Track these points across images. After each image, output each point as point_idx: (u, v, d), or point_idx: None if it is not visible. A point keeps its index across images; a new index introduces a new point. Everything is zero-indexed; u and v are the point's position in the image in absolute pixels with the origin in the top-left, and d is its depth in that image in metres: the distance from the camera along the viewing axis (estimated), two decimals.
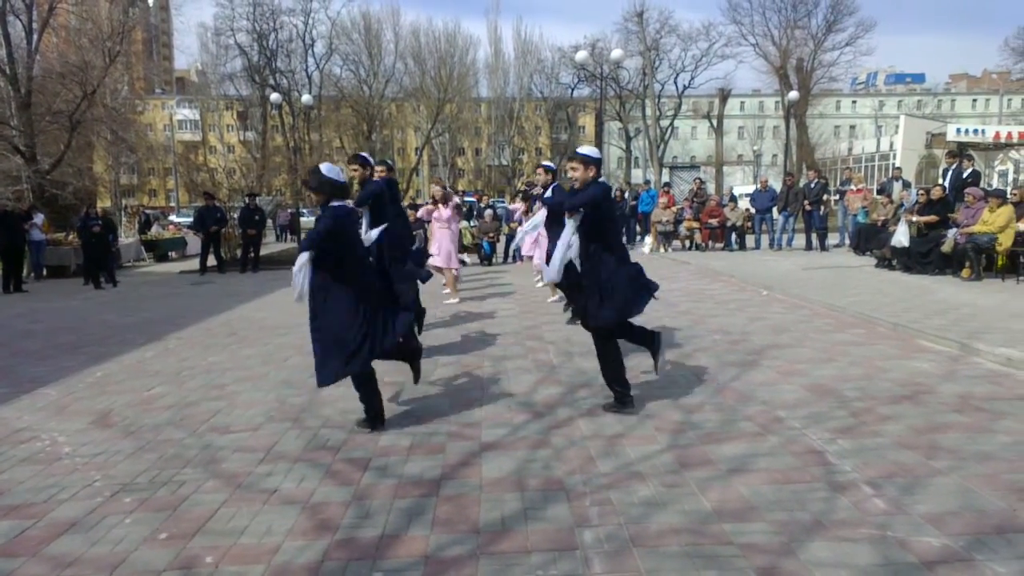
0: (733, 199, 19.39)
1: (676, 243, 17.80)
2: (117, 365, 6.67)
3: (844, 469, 3.63)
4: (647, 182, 27.42)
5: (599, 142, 33.54)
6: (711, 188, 38.76)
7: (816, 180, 16.92)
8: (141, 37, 54.44)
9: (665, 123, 50.30)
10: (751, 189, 23.48)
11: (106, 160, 34.81)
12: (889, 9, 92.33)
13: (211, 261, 16.14)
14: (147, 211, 26.90)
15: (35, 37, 21.77)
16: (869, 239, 14.03)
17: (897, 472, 3.57)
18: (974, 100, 70.44)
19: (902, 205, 13.55)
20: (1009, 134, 26.14)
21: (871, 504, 3.22)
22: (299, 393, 5.39)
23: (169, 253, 21.03)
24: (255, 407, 5.05)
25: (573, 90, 53.94)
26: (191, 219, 19.66)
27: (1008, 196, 11.13)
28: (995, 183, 24.69)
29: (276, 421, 4.72)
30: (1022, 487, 3.35)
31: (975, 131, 26.51)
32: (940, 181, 13.79)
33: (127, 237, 20.84)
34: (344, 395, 5.29)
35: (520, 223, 10.21)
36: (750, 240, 17.89)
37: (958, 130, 26.25)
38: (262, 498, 3.49)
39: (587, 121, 63.51)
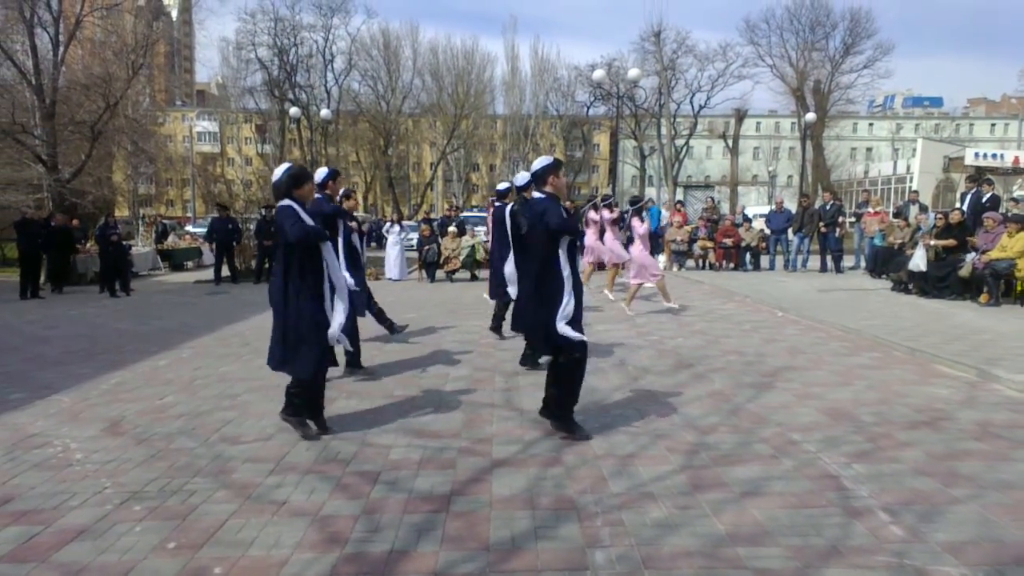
0: (747, 219, 19.31)
1: (690, 262, 17.74)
2: (131, 373, 6.70)
3: (860, 495, 3.57)
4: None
5: (614, 160, 33.60)
6: (725, 208, 38.71)
7: (832, 202, 16.85)
8: (164, 50, 55.38)
9: (680, 142, 50.37)
10: (765, 210, 23.37)
11: (125, 170, 35.21)
12: (907, 32, 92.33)
13: (225, 271, 16.26)
14: (164, 221, 27.11)
15: (61, 49, 22.13)
16: (886, 262, 13.92)
17: (915, 499, 3.51)
18: (993, 124, 69.98)
19: (919, 228, 13.44)
20: None
21: (888, 531, 3.16)
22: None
23: (185, 263, 21.20)
24: (267, 418, 5.05)
25: (589, 108, 54.20)
26: (206, 230, 19.83)
27: None
28: (1014, 208, 24.45)
29: (287, 432, 4.71)
30: None
31: (994, 155, 26.34)
32: (959, 205, 13.67)
33: (143, 246, 21.03)
34: (355, 407, 5.29)
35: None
36: (764, 261, 17.79)
37: (976, 154, 26.11)
38: (271, 509, 3.48)
39: (602, 139, 63.72)
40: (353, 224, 7.15)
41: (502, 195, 7.62)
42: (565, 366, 4.53)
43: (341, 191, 7.46)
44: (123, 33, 25.15)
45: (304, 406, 4.66)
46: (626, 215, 10.91)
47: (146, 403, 5.55)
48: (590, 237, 12.31)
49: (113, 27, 25.51)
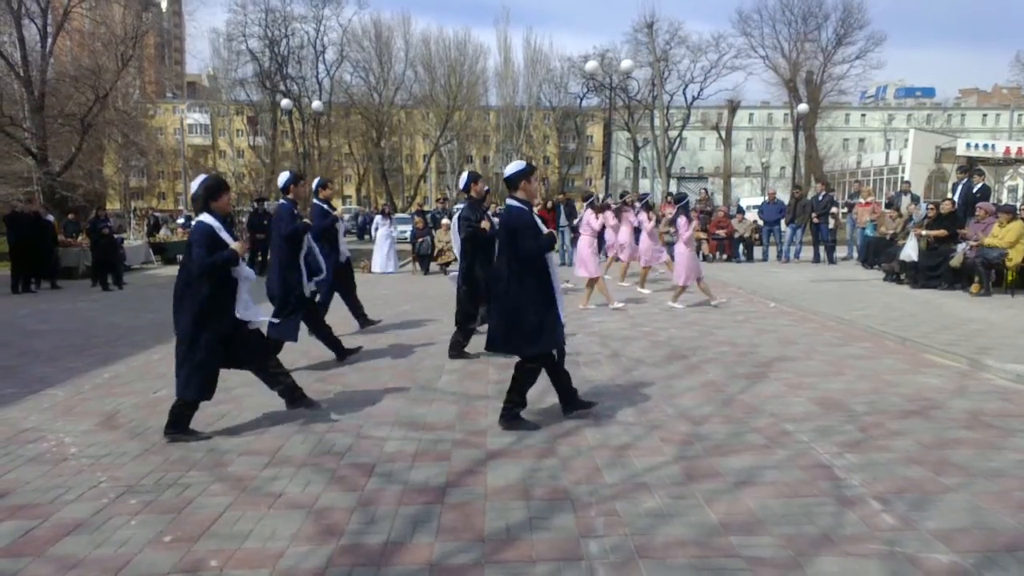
0: (740, 211, 19.35)
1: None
2: (124, 367, 6.68)
3: (852, 484, 3.60)
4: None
5: (607, 152, 33.51)
6: (719, 199, 38.71)
7: (824, 193, 16.90)
8: (154, 42, 54.93)
9: (674, 134, 50.29)
10: (759, 201, 23.36)
11: (116, 163, 35.01)
12: (900, 23, 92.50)
13: None
14: (156, 214, 26.97)
15: (49, 41, 21.95)
16: (878, 252, 13.98)
17: (906, 488, 3.55)
18: (984, 115, 70.18)
19: (911, 219, 13.50)
20: (1020, 149, 26.02)
21: (880, 519, 3.19)
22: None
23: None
24: (262, 411, 5.05)
25: (582, 100, 54.04)
26: None
27: (1018, 211, 11.07)
28: (1004, 198, 24.58)
29: (282, 425, 4.72)
30: None
31: (985, 146, 26.41)
32: (950, 196, 13.73)
33: (136, 240, 20.93)
34: (351, 400, 5.30)
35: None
36: (757, 252, 17.84)
37: (968, 144, 26.16)
38: (267, 502, 3.49)
39: (595, 131, 63.61)
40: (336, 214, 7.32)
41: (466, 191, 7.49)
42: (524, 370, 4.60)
43: (316, 181, 7.51)
44: (112, 24, 24.93)
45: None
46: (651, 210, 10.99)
47: (140, 397, 5.55)
48: (623, 235, 12.33)
49: (102, 18, 25.30)
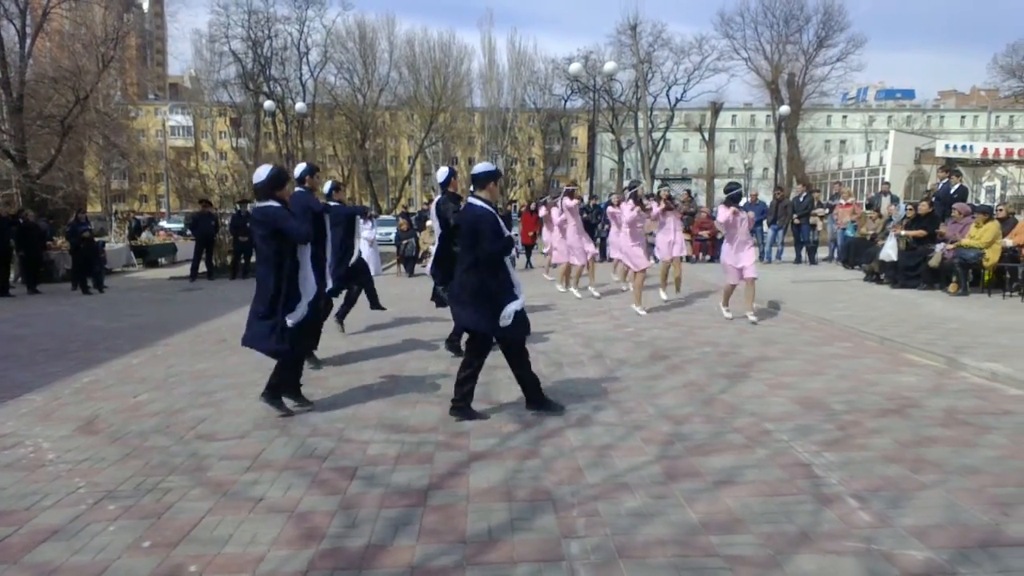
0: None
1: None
2: (104, 371, 6.62)
3: (831, 482, 3.64)
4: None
5: (592, 153, 33.64)
6: (702, 200, 38.94)
7: (805, 194, 17.05)
8: (135, 43, 54.32)
9: (657, 135, 50.58)
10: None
11: (97, 165, 34.67)
12: (881, 26, 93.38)
13: (202, 268, 16.09)
14: (138, 216, 26.69)
15: (28, 42, 21.70)
16: (858, 253, 14.12)
17: (883, 485, 3.59)
18: (963, 116, 71.11)
19: (891, 219, 13.65)
20: (997, 151, 26.42)
21: (857, 517, 3.23)
22: (287, 401, 5.36)
23: (159, 259, 20.93)
24: (242, 415, 5.03)
25: (566, 101, 54.17)
26: (182, 225, 19.63)
27: (994, 212, 11.23)
28: (982, 199, 24.92)
29: (263, 429, 4.70)
30: (1006, 501, 3.37)
31: (963, 147, 26.79)
32: (930, 196, 13.90)
33: (117, 242, 20.72)
34: (334, 403, 5.28)
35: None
36: None
37: (947, 146, 26.53)
38: (248, 507, 3.47)
39: (580, 132, 63.75)
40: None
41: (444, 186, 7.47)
42: (515, 348, 4.82)
43: (329, 183, 7.50)
44: (92, 25, 24.70)
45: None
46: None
47: (120, 401, 5.50)
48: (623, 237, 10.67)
49: (82, 19, 25.06)
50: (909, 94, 77.63)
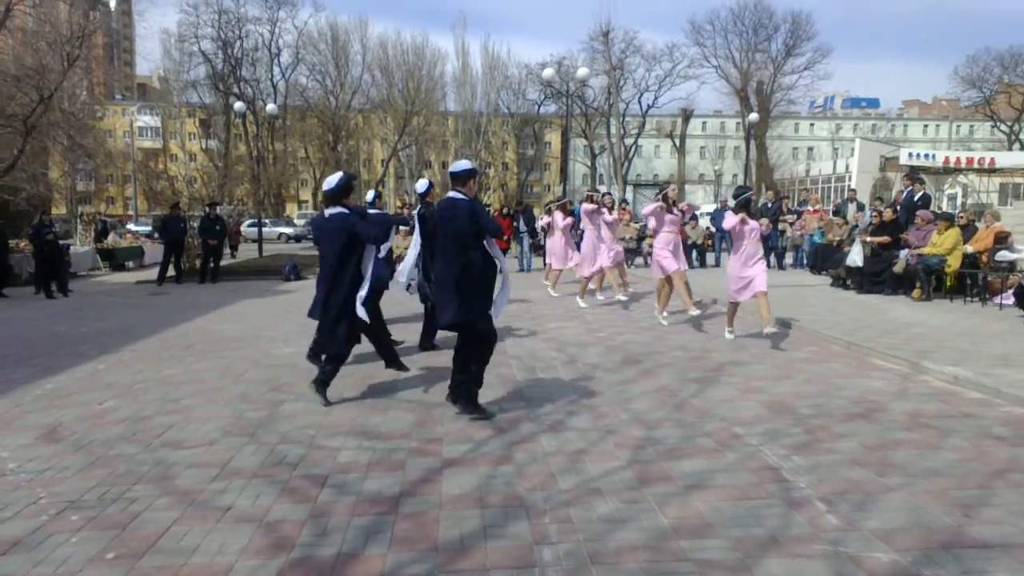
0: (694, 217, 19.68)
1: (639, 259, 18.00)
2: (68, 377, 6.47)
3: (799, 486, 3.70)
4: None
5: (565, 159, 33.84)
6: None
7: (774, 200, 17.31)
8: (102, 42, 53.39)
9: (629, 141, 51.06)
10: (711, 208, 23.89)
11: (62, 166, 33.87)
12: (847, 36, 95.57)
13: (170, 272, 15.82)
14: (104, 219, 26.16)
15: None
16: (825, 259, 14.37)
17: (849, 489, 3.65)
18: (925, 126, 72.88)
19: (856, 226, 13.92)
20: (958, 159, 27.14)
21: (824, 520, 3.28)
22: (256, 408, 5.30)
23: (126, 263, 20.53)
24: (211, 422, 4.95)
25: (540, 107, 54.50)
26: (149, 228, 19.27)
27: (956, 219, 11.52)
28: (944, 206, 25.56)
29: (232, 436, 4.63)
30: (968, 503, 3.45)
31: (926, 155, 27.48)
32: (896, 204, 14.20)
33: (82, 245, 20.29)
34: (303, 410, 5.22)
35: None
36: (710, 258, 18.19)
37: (910, 154, 27.20)
38: (216, 516, 3.42)
39: (553, 137, 64.03)
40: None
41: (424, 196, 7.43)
42: (484, 345, 4.99)
43: (372, 192, 8.00)
44: (57, 23, 24.17)
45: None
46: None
47: (84, 409, 5.38)
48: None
49: (46, 16, 24.52)
50: (874, 103, 79.41)
